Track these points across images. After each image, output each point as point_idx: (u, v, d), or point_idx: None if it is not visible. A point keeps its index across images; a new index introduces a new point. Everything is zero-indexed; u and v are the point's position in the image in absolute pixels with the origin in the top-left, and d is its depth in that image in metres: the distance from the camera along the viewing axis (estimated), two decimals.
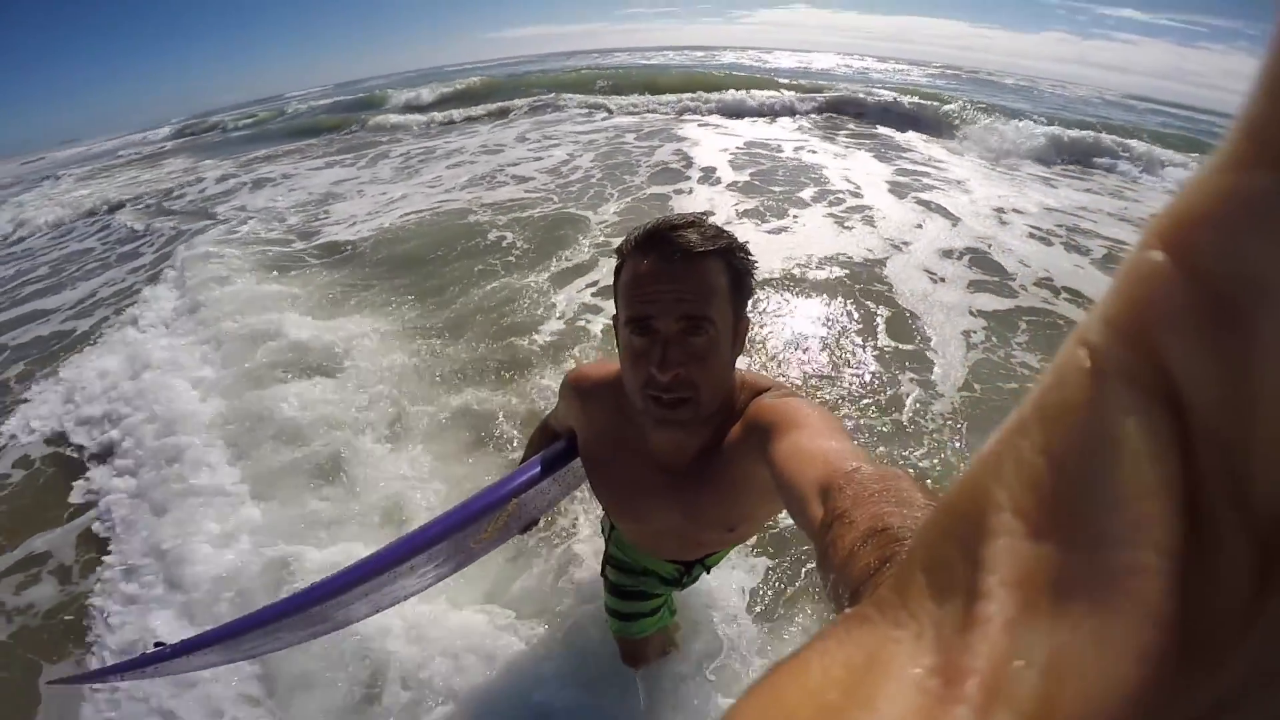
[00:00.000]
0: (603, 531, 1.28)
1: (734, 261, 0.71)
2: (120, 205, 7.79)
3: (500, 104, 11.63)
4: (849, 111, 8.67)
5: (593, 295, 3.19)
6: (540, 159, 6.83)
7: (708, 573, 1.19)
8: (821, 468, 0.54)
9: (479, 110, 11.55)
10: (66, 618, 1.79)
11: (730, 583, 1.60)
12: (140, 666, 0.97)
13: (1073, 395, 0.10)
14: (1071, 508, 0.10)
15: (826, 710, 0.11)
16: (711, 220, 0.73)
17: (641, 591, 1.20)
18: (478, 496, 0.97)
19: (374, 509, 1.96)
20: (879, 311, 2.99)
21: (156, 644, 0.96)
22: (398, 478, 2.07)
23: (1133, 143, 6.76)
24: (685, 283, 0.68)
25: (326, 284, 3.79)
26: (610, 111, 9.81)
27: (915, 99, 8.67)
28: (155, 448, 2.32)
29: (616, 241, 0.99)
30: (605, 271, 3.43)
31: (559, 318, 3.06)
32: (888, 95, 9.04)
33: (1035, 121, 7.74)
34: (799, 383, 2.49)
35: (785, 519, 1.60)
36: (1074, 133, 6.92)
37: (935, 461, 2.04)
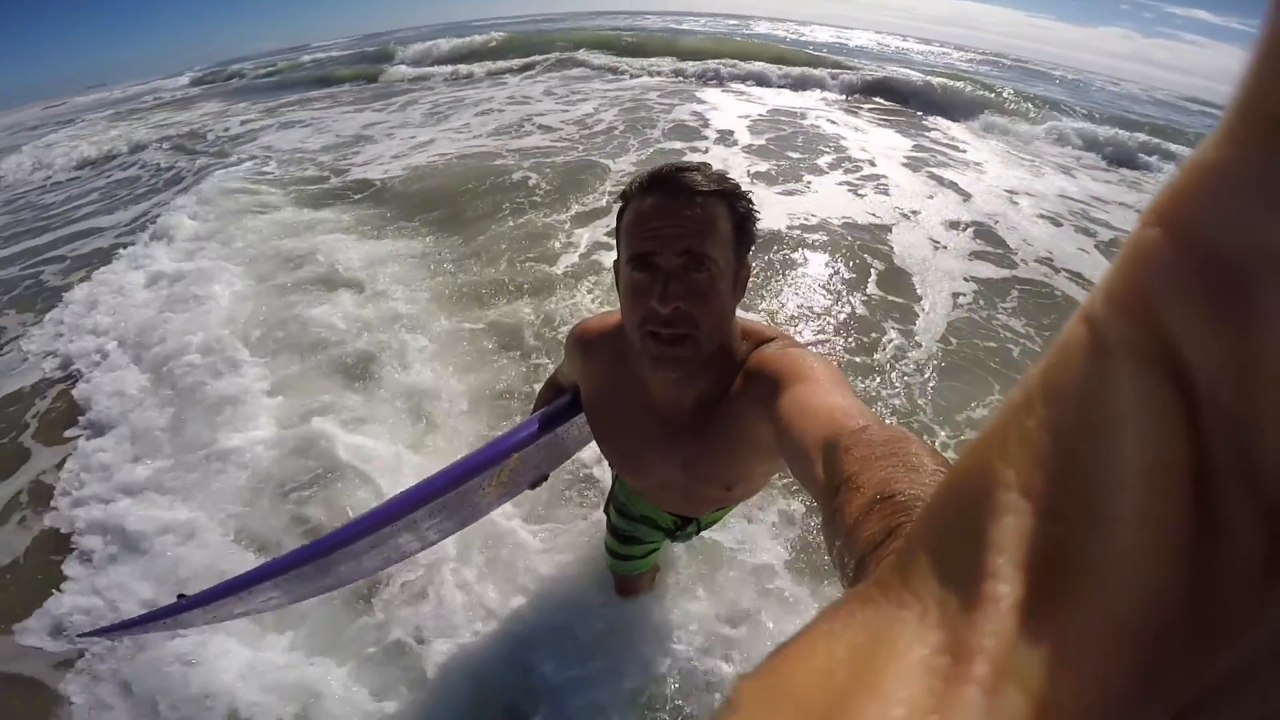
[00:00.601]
0: (612, 471, 1.33)
1: (736, 205, 0.72)
2: (145, 146, 8.05)
3: (522, 59, 11.65)
4: (877, 90, 8.64)
5: (606, 235, 3.44)
6: (566, 110, 7.00)
7: (700, 532, 1.23)
8: (828, 426, 0.53)
9: (499, 64, 11.60)
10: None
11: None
12: (160, 618, 1.00)
13: (1077, 371, 0.10)
14: (1078, 485, 0.10)
15: (833, 690, 0.11)
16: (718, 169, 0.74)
17: (636, 537, 1.26)
18: (478, 452, 0.98)
19: (404, 401, 2.24)
20: (876, 266, 3.20)
21: (179, 595, 1.00)
22: (429, 378, 2.35)
23: (1172, 146, 6.66)
24: (688, 220, 0.69)
25: (358, 216, 4.06)
26: (631, 74, 9.86)
27: (946, 80, 8.61)
28: (195, 344, 2.63)
29: None
30: None
31: (578, 252, 3.32)
32: (917, 76, 8.94)
33: (1070, 114, 7.71)
34: (793, 320, 2.73)
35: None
36: (1105, 129, 6.90)
37: (903, 401, 2.28)
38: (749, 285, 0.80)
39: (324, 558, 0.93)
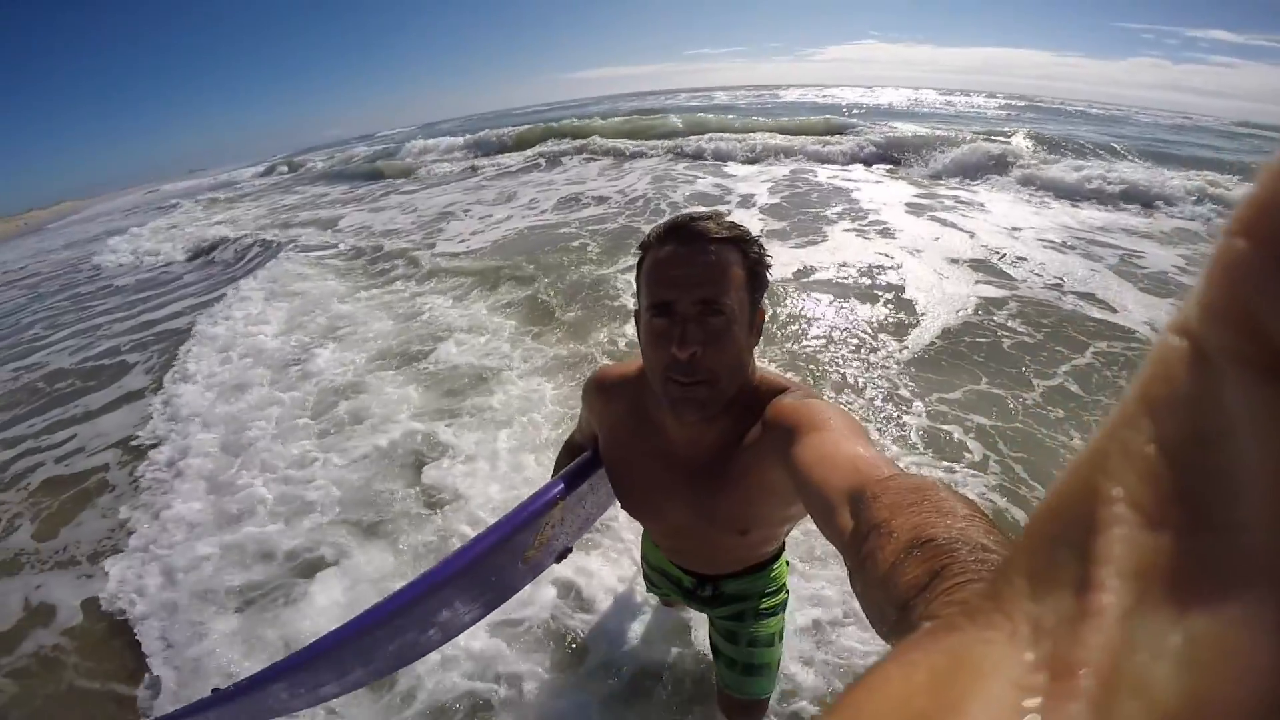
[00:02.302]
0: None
1: (749, 251, 0.76)
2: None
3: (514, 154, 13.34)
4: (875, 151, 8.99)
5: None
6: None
7: (721, 599, 1.14)
8: (852, 475, 0.54)
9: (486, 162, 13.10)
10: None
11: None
12: (198, 712, 0.96)
13: (1181, 383, 0.10)
14: (1192, 496, 0.10)
15: (912, 718, 0.11)
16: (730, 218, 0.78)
17: (660, 586, 1.28)
18: (507, 518, 0.97)
19: (510, 409, 3.04)
20: (883, 290, 3.88)
21: (214, 689, 0.95)
22: (521, 395, 3.15)
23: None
24: (703, 267, 0.73)
25: (453, 277, 5.16)
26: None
27: (974, 133, 9.00)
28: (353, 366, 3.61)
29: None
30: None
31: (628, 293, 4.23)
32: (942, 131, 9.43)
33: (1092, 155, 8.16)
34: (812, 342, 3.42)
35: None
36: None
37: (885, 398, 2.90)
38: (764, 329, 0.82)
39: (348, 647, 0.88)
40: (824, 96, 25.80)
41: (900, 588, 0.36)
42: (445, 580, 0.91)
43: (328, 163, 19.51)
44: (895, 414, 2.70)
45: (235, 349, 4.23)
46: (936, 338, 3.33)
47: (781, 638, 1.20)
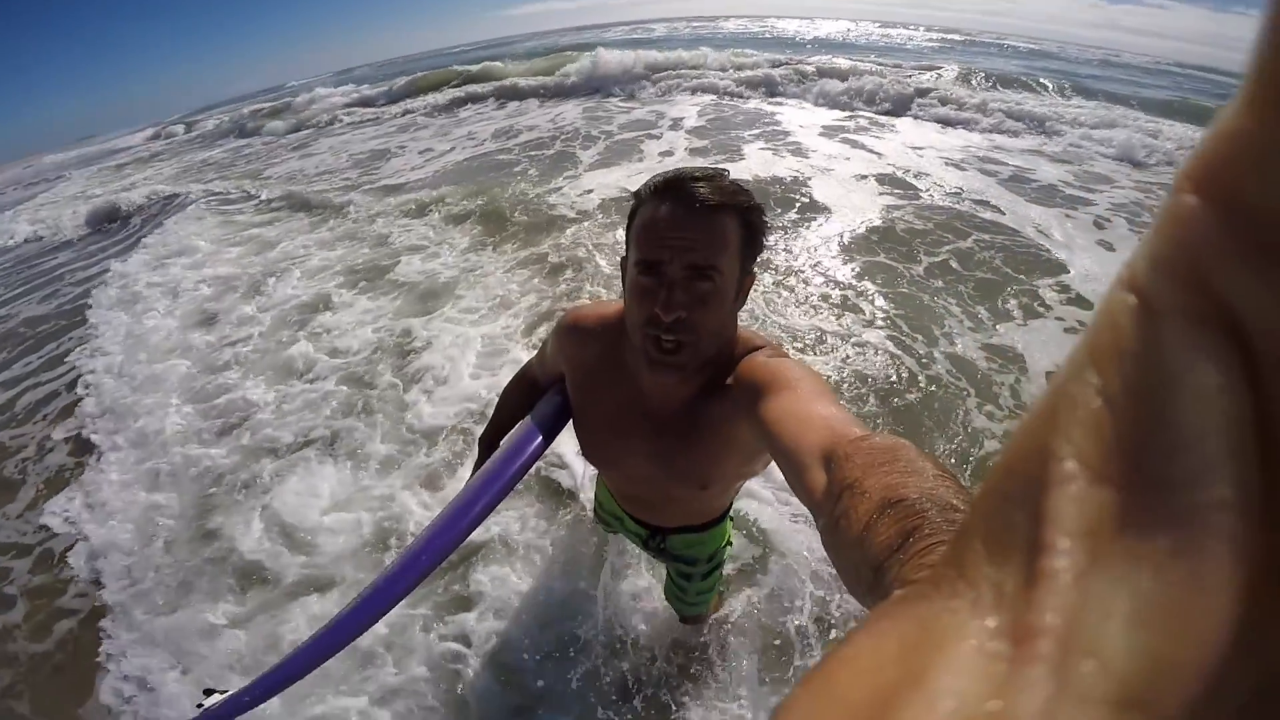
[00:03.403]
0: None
1: (748, 219, 0.76)
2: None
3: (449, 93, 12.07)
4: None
5: (579, 195, 4.53)
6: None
7: (666, 554, 1.21)
8: (825, 434, 0.55)
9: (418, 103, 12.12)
10: None
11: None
12: None
13: (1127, 337, 0.11)
14: (1139, 450, 0.10)
15: (882, 690, 0.11)
16: (730, 177, 0.77)
17: (614, 528, 1.32)
18: (492, 476, 0.95)
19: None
20: (797, 201, 4.21)
21: (205, 690, 0.97)
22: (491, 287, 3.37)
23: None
24: (697, 233, 0.73)
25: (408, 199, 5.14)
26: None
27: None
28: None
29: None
30: (592, 182, 4.81)
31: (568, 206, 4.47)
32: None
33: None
34: None
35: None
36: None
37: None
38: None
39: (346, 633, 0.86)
40: (763, 28, 25.53)
41: (874, 548, 0.38)
42: (442, 555, 0.89)
43: (222, 120, 17.48)
44: (804, 283, 3.13)
45: (183, 288, 4.18)
46: (844, 227, 3.77)
47: (721, 575, 1.33)
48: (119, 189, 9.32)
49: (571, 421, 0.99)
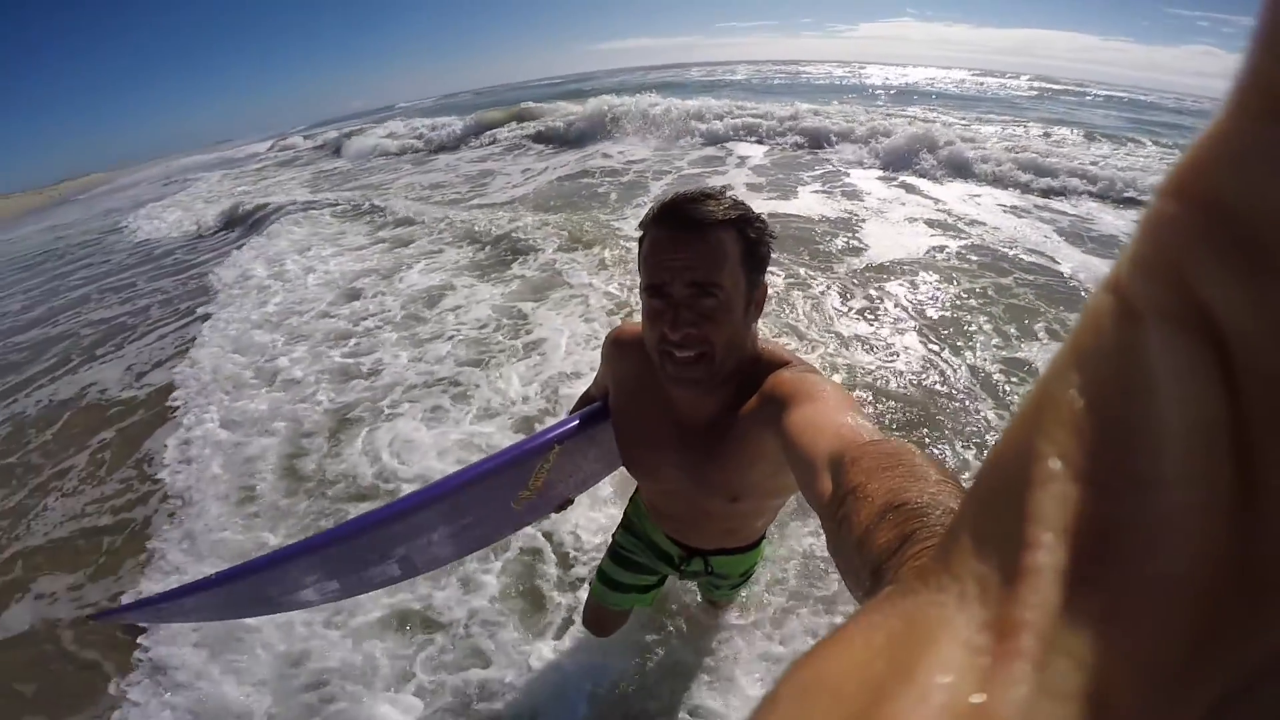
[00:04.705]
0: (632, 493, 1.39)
1: (746, 231, 0.80)
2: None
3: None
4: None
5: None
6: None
7: (708, 572, 1.26)
8: (834, 441, 0.58)
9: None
10: None
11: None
12: (179, 598, 1.06)
13: (1109, 337, 0.11)
14: (1117, 450, 0.11)
15: (870, 682, 0.11)
16: (730, 194, 0.82)
17: (639, 563, 1.33)
18: (520, 443, 1.05)
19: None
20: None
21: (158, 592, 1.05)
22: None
23: None
24: (695, 252, 0.77)
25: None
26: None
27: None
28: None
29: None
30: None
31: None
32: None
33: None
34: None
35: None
36: None
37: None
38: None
39: (337, 546, 0.96)
40: (847, 73, 26.06)
41: (874, 551, 0.39)
42: (424, 504, 0.98)
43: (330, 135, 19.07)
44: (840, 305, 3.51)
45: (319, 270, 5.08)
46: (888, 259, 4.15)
47: (749, 581, 1.46)
48: (262, 192, 10.86)
49: (616, 436, 1.05)
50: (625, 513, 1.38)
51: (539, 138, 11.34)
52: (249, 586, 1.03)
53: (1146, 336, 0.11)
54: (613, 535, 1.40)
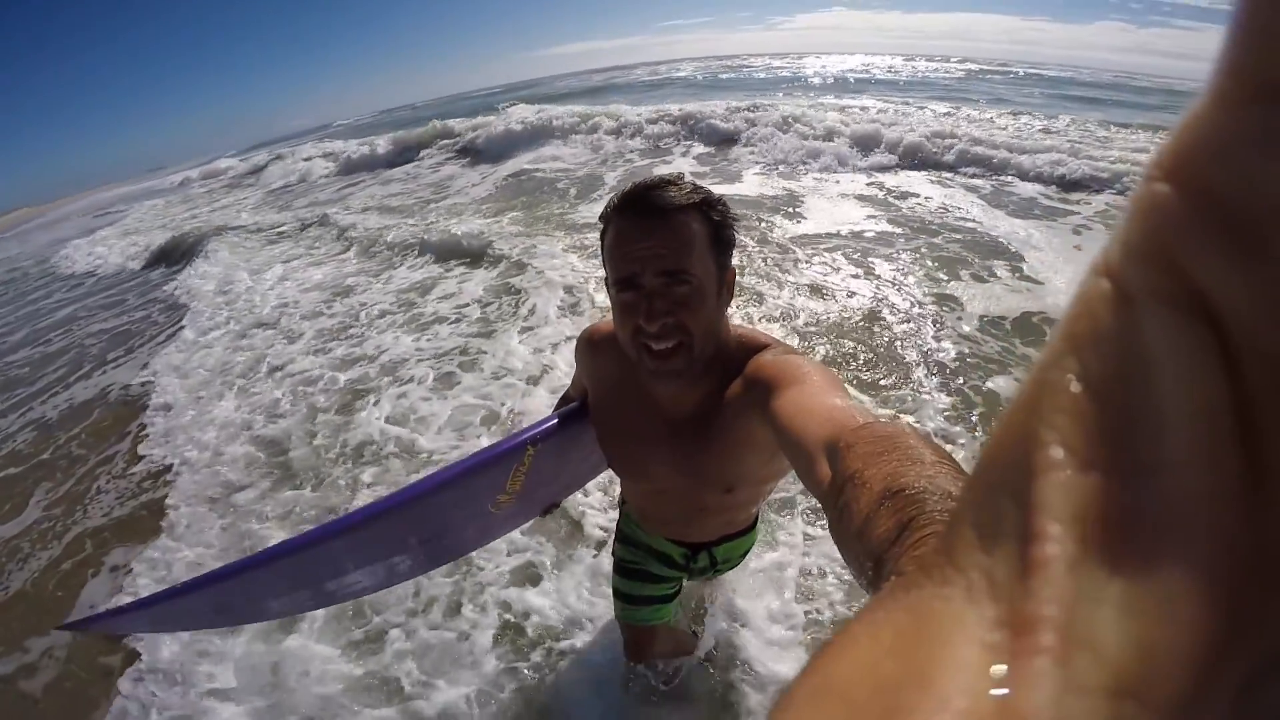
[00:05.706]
0: (618, 505, 1.38)
1: (710, 214, 0.79)
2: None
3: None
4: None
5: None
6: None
7: (715, 569, 1.25)
8: (828, 425, 0.58)
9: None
10: None
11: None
12: (143, 607, 1.03)
13: (1104, 321, 0.11)
14: (1121, 435, 0.11)
15: (882, 685, 0.11)
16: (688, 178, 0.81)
17: (647, 571, 1.29)
18: (488, 448, 1.02)
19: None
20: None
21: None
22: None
23: None
24: (663, 238, 0.76)
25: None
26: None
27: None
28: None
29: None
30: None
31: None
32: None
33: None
34: None
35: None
36: None
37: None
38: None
39: (295, 555, 0.95)
40: (784, 65, 26.93)
41: (874, 540, 0.39)
42: (389, 511, 0.95)
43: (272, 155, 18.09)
44: (783, 269, 3.85)
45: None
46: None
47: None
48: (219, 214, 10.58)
49: (598, 437, 1.03)
50: (617, 526, 1.36)
51: (464, 152, 11.23)
52: (213, 595, 1.03)
53: (1142, 320, 0.11)
54: (612, 552, 1.37)
